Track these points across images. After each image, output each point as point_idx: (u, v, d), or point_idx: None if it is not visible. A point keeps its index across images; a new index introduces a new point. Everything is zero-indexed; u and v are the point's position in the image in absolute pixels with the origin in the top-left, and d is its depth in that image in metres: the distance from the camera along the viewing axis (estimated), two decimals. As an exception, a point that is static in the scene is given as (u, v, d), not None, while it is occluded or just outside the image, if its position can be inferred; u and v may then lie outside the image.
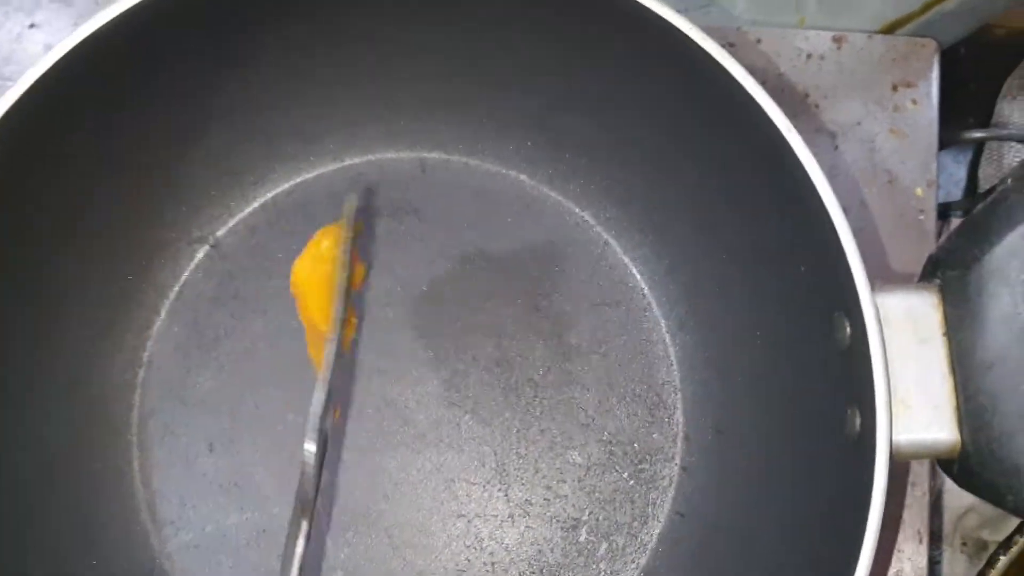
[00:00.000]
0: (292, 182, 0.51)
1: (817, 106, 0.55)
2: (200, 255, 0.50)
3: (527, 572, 0.46)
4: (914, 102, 0.55)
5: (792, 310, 0.43)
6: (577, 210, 0.51)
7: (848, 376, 0.39)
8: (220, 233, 0.51)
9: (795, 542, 0.42)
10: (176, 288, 0.50)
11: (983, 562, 0.50)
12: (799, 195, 0.40)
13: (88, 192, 0.46)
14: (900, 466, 0.48)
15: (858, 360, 0.37)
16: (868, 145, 0.55)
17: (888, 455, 0.36)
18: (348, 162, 0.52)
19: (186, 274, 0.50)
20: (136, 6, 0.40)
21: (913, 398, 0.38)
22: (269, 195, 0.51)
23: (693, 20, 0.40)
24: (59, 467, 0.45)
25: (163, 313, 0.50)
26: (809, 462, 0.42)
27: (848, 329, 0.38)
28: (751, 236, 0.45)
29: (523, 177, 0.51)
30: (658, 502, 0.47)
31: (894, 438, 0.36)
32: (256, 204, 0.51)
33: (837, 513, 0.39)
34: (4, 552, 0.42)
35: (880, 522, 0.36)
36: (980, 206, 0.39)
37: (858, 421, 0.38)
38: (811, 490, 0.42)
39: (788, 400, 0.44)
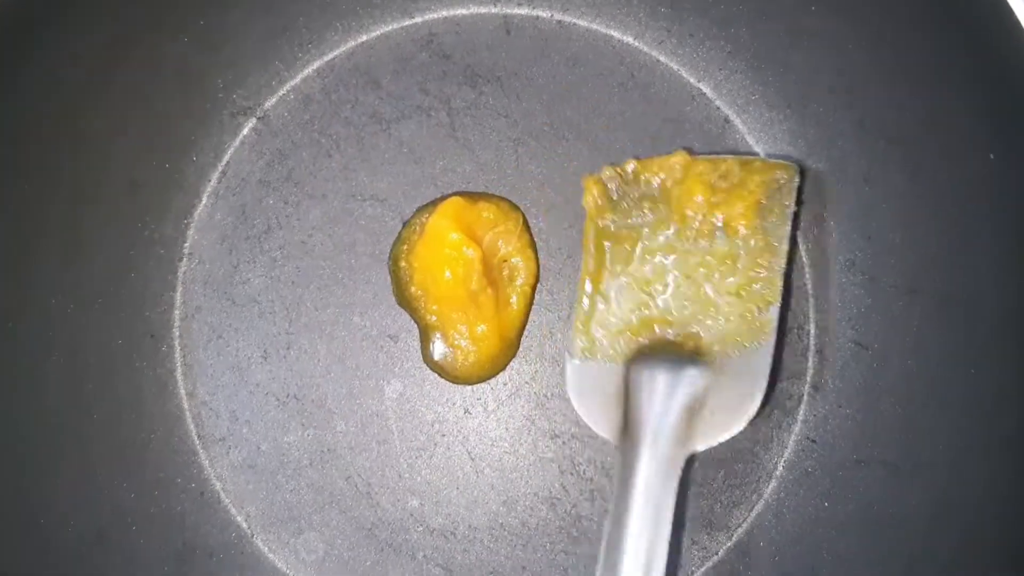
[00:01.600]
0: (352, 43, 0.43)
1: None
2: (246, 129, 0.43)
3: (631, 501, 0.40)
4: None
5: (970, 204, 0.36)
6: (693, 80, 0.42)
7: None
8: (269, 103, 0.43)
9: (960, 480, 0.36)
10: (219, 168, 0.42)
11: None
12: (1008, 65, 0.32)
13: (115, 52, 0.39)
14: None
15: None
16: None
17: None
18: (418, 19, 0.43)
19: (230, 151, 0.43)
20: None
21: None
22: (325, 58, 0.43)
23: None
24: (93, 378, 0.39)
25: (204, 197, 0.42)
26: (984, 388, 0.36)
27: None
28: (919, 114, 0.37)
29: (628, 39, 0.43)
30: (784, 425, 0.41)
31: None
32: (310, 69, 0.43)
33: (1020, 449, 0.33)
34: (35, 478, 0.37)
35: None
36: None
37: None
38: (984, 421, 0.36)
39: (960, 312, 0.37)
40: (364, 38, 0.43)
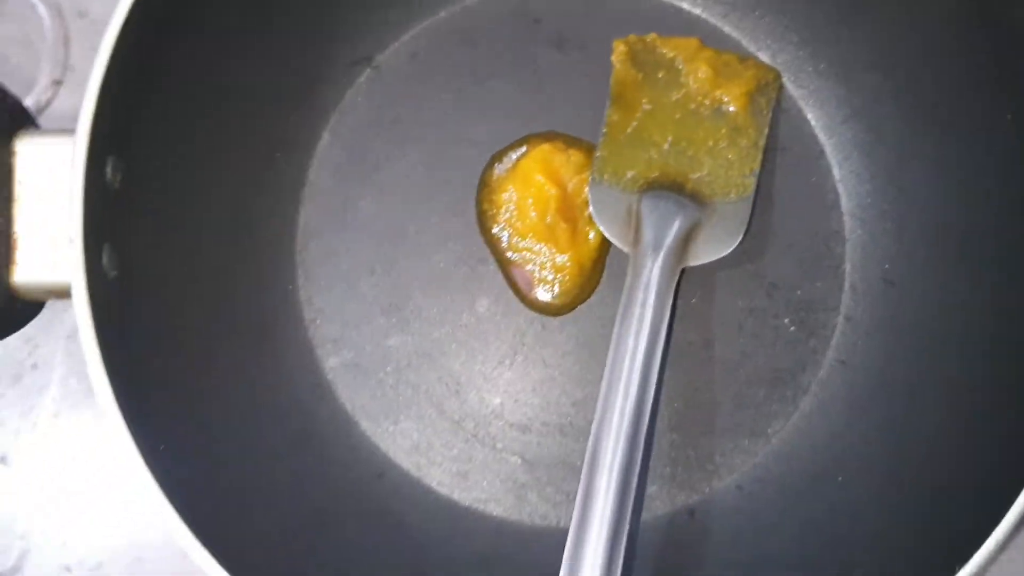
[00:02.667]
0: (456, 7, 0.50)
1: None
2: (362, 78, 0.49)
3: (683, 409, 0.47)
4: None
5: (989, 163, 0.42)
6: (752, 49, 0.49)
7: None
8: (381, 56, 0.50)
9: (967, 404, 0.42)
10: (338, 110, 0.49)
11: None
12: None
13: (260, 6, 0.45)
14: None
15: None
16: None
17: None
18: (515, -12, 0.50)
19: (347, 96, 0.49)
20: None
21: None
22: (432, 18, 0.50)
23: None
24: (229, 283, 0.46)
25: (324, 134, 0.49)
26: (993, 323, 0.42)
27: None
28: (948, 85, 0.43)
29: (696, 11, 0.49)
30: (819, 349, 0.47)
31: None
32: (418, 28, 0.50)
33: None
34: (182, 353, 0.43)
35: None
36: None
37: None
38: (991, 352, 0.41)
39: (976, 257, 0.43)
40: (468, 3, 0.50)
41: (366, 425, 0.47)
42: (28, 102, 0.52)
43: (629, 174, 0.47)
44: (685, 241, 0.45)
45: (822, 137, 0.48)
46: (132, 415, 0.35)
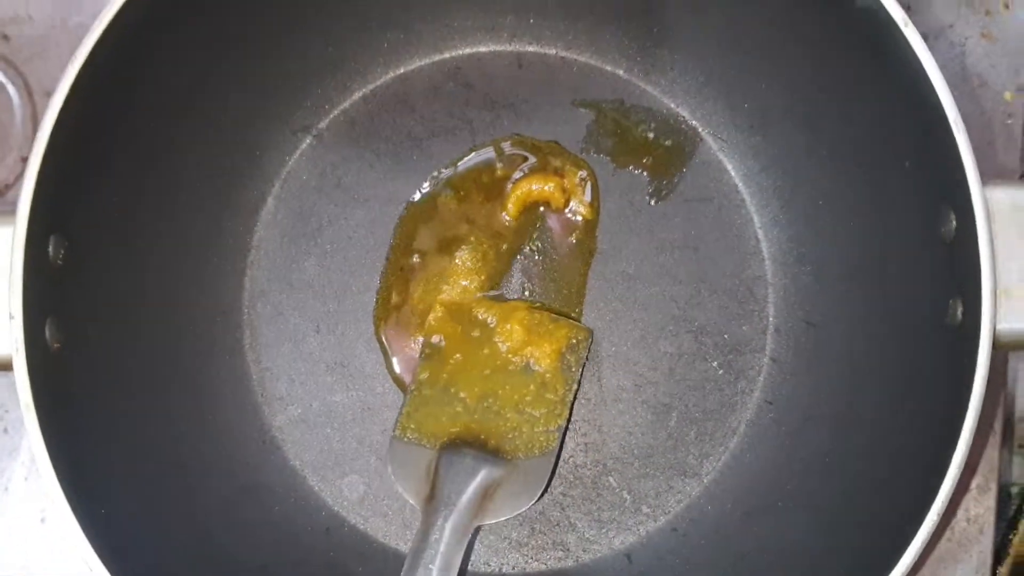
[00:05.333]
0: (392, 74, 0.52)
1: (908, 7, 0.54)
2: (304, 144, 0.52)
3: (618, 452, 0.48)
4: (1006, 6, 0.55)
5: (892, 205, 0.44)
6: (672, 105, 0.51)
7: (951, 267, 0.40)
8: (323, 123, 0.52)
9: (888, 428, 0.44)
10: (282, 176, 0.51)
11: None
12: (910, 90, 0.40)
13: (203, 81, 0.47)
14: (998, 358, 0.47)
15: (964, 251, 0.38)
16: (959, 48, 0.55)
17: (991, 342, 0.37)
18: (447, 55, 0.52)
19: (291, 162, 0.52)
20: None
21: (1016, 289, 0.39)
22: (369, 87, 0.52)
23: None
24: (178, 343, 0.48)
25: (269, 199, 0.51)
26: (905, 352, 0.43)
27: (954, 222, 0.39)
28: (854, 133, 0.46)
29: (619, 71, 0.51)
30: (747, 391, 0.49)
31: (996, 326, 0.38)
32: (357, 96, 0.52)
33: (934, 400, 0.41)
34: (126, 416, 0.45)
35: (980, 408, 0.37)
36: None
37: (960, 311, 0.39)
38: (906, 379, 0.43)
39: (885, 292, 0.45)
40: (402, 71, 0.52)
41: (313, 479, 0.49)
42: (-3, 179, 0.55)
43: (431, 429, 0.47)
44: (481, 498, 0.45)
45: (742, 186, 0.50)
46: (70, 480, 0.37)
